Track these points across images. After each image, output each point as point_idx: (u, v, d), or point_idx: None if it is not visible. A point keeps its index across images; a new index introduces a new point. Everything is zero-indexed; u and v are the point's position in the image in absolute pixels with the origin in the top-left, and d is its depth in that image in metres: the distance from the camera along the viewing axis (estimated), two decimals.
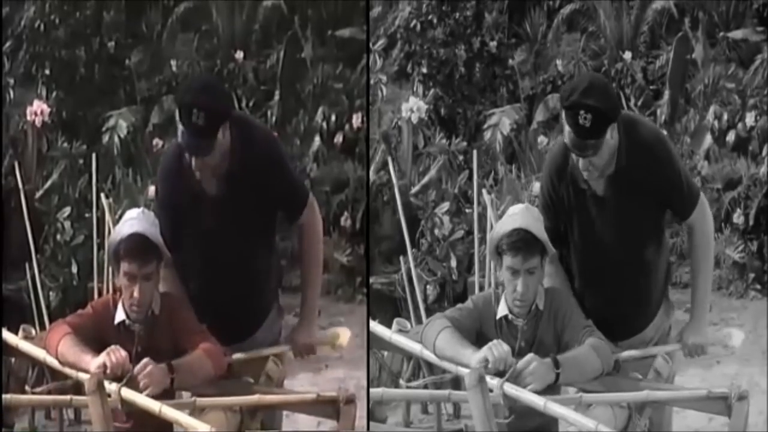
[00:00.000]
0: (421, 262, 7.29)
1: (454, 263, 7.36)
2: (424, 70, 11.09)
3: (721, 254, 8.94)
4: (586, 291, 4.26)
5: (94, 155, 6.67)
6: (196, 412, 3.85)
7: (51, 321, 5.18)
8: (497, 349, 3.80)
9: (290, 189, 4.36)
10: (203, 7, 11.75)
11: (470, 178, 7.58)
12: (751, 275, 8.99)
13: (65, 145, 8.90)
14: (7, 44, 10.48)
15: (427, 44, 11.12)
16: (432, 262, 7.38)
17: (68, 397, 3.97)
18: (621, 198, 4.08)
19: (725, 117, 10.16)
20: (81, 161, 8.69)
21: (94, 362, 3.86)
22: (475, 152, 6.50)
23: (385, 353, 6.35)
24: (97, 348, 3.93)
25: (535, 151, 10.26)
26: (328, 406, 3.93)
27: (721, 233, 9.04)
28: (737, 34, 11.61)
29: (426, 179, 8.00)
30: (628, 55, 11.69)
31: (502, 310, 4.07)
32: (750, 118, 9.96)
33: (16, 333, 4.31)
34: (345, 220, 9.49)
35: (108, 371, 3.80)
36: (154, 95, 10.98)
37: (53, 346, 4.01)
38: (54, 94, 10.34)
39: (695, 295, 4.28)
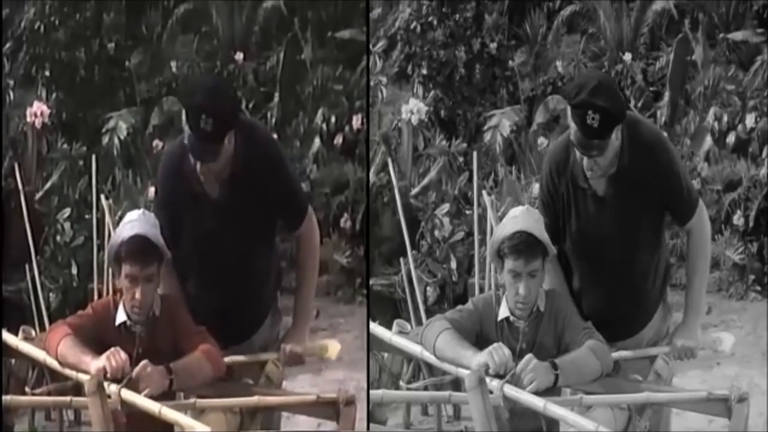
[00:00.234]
0: (421, 263, 7.29)
1: (454, 265, 7.37)
2: (424, 72, 11.09)
3: (721, 256, 8.95)
4: (583, 290, 4.26)
5: (94, 156, 6.68)
6: (196, 413, 3.85)
7: (51, 322, 5.19)
8: (498, 353, 3.79)
9: (291, 198, 4.36)
10: (203, 8, 11.76)
11: (470, 179, 7.59)
12: (751, 277, 8.99)
13: (65, 146, 8.91)
14: (7, 45, 10.48)
15: (427, 46, 11.12)
16: (432, 263, 7.39)
17: (68, 398, 3.96)
18: (621, 198, 4.08)
19: (725, 118, 10.16)
20: (81, 162, 8.70)
21: (94, 364, 3.85)
22: (475, 154, 6.51)
23: (385, 355, 6.35)
24: (98, 349, 3.93)
25: (535, 153, 10.25)
26: (328, 408, 3.92)
27: (721, 235, 9.05)
28: (737, 35, 11.61)
29: (426, 181, 8.01)
30: (628, 57, 11.69)
31: (503, 312, 4.06)
32: (750, 120, 9.96)
33: (16, 334, 4.31)
34: (345, 222, 9.49)
35: (108, 375, 3.80)
36: (154, 97, 10.98)
37: (53, 347, 4.01)
38: (54, 95, 10.35)
39: (689, 298, 4.28)
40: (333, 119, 10.33)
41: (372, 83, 8.83)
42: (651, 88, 11.57)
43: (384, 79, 9.06)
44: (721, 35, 11.69)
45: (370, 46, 9.78)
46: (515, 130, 10.62)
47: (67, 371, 4.00)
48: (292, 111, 10.81)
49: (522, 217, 4.02)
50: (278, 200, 4.25)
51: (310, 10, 11.62)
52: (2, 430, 4.20)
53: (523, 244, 3.93)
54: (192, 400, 3.89)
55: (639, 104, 11.23)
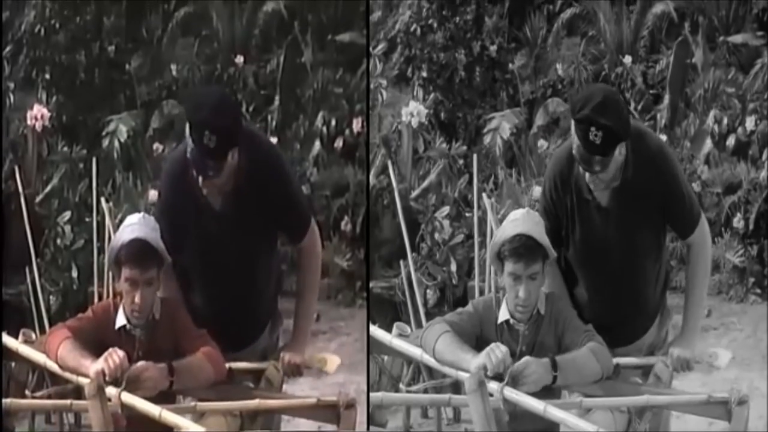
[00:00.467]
0: (421, 266, 7.29)
1: (454, 267, 7.36)
2: (425, 75, 11.10)
3: (721, 258, 8.96)
4: (587, 297, 4.27)
5: (94, 159, 6.67)
6: (197, 416, 3.85)
7: (51, 325, 5.19)
8: (495, 353, 3.79)
9: (294, 211, 4.36)
10: (203, 11, 11.77)
11: (470, 182, 7.59)
12: (751, 279, 9.00)
13: (65, 149, 8.92)
14: (8, 48, 10.49)
15: (427, 48, 11.13)
16: (432, 266, 7.38)
17: (68, 401, 3.96)
18: (624, 210, 4.08)
19: (725, 121, 10.17)
20: (81, 165, 8.71)
21: (93, 367, 3.85)
22: (475, 156, 6.52)
23: (385, 357, 6.36)
24: (97, 352, 3.93)
25: (535, 156, 10.26)
26: (328, 411, 3.92)
27: (721, 237, 9.06)
28: (737, 38, 11.62)
29: (426, 183, 8.00)
30: (628, 60, 11.70)
31: (503, 315, 4.06)
32: (750, 123, 9.96)
33: (17, 337, 4.30)
34: (345, 225, 9.50)
35: (107, 376, 3.80)
36: (155, 100, 10.99)
37: (53, 350, 4.01)
38: (54, 98, 10.35)
39: (687, 311, 4.27)
40: (333, 122, 10.34)
41: (372, 86, 8.83)
42: (651, 91, 11.58)
43: (384, 82, 9.06)
44: (721, 38, 11.69)
45: (370, 49, 9.79)
46: (515, 132, 10.62)
47: (67, 374, 4.00)
48: (293, 114, 10.82)
49: (522, 220, 4.01)
50: (281, 213, 4.25)
51: (310, 13, 11.63)
52: None
53: (524, 247, 3.93)
54: (192, 403, 3.90)
55: (639, 107, 11.24)
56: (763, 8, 11.75)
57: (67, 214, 7.84)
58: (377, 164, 8.35)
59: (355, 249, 9.31)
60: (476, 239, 6.19)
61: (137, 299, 4.01)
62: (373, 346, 4.54)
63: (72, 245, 7.62)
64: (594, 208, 4.12)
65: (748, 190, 9.32)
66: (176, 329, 4.11)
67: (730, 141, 10.04)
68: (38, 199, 8.13)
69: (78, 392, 3.96)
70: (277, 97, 10.91)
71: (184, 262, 4.29)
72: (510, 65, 11.74)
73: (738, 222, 9.16)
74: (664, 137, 9.76)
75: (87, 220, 7.23)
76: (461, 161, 8.55)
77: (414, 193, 7.88)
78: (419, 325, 5.83)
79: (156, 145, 9.99)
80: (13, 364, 4.50)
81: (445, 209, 7.60)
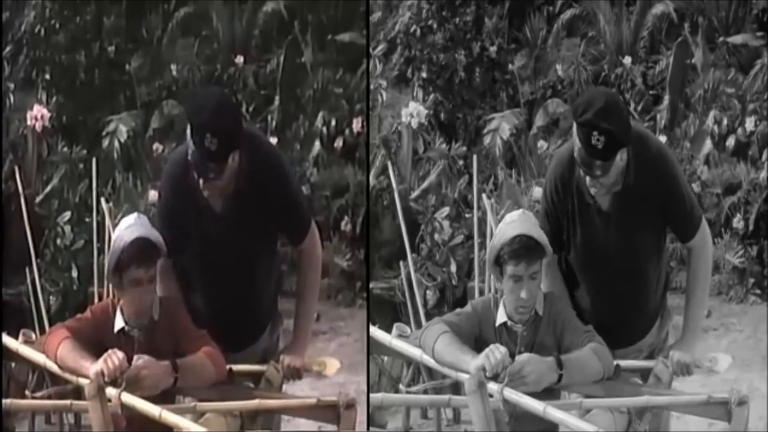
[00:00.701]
0: (421, 267, 7.29)
1: (453, 268, 7.37)
2: (424, 75, 11.10)
3: (720, 259, 8.96)
4: (588, 300, 4.27)
5: (94, 160, 6.67)
6: (197, 416, 3.85)
7: (51, 325, 5.18)
8: (494, 355, 3.78)
9: (294, 213, 4.34)
10: (203, 11, 11.77)
11: (470, 182, 7.59)
12: (751, 280, 9.00)
13: (65, 149, 8.92)
14: (8, 49, 10.49)
15: (427, 49, 11.13)
16: (432, 266, 7.38)
17: (68, 401, 3.96)
18: (625, 214, 4.09)
19: (725, 122, 10.18)
20: (81, 166, 8.71)
21: (92, 368, 3.85)
22: (474, 157, 6.52)
23: (385, 358, 6.36)
24: (97, 352, 3.93)
25: (535, 156, 10.27)
26: (328, 411, 3.92)
27: (720, 238, 9.06)
28: (737, 39, 11.62)
29: (426, 184, 8.01)
30: (627, 60, 11.71)
31: (501, 317, 4.07)
32: (750, 123, 9.97)
33: (17, 337, 4.30)
34: (345, 225, 9.50)
35: (106, 377, 3.80)
36: (155, 100, 10.99)
37: (52, 351, 4.01)
38: (54, 98, 10.36)
39: (687, 315, 4.28)
40: (333, 122, 10.34)
41: (372, 86, 8.83)
42: (651, 92, 11.59)
43: (384, 83, 9.06)
44: (721, 39, 11.70)
45: (370, 50, 9.79)
46: (515, 133, 10.63)
47: (67, 375, 4.00)
48: (293, 114, 10.83)
49: (519, 221, 4.01)
50: (281, 215, 4.25)
51: (310, 14, 11.63)
52: None
53: (524, 248, 3.93)
54: (192, 404, 3.90)
55: (639, 108, 11.25)
56: (762, 9, 11.76)
57: (67, 215, 7.84)
58: (377, 165, 8.35)
59: (355, 249, 9.31)
60: (476, 240, 6.19)
61: (142, 296, 4.02)
62: (373, 347, 4.54)
63: (72, 245, 7.62)
64: (595, 212, 4.13)
65: (747, 191, 9.32)
66: (176, 330, 4.10)
67: (730, 141, 10.04)
68: (38, 199, 8.13)
69: (78, 393, 3.96)
70: (277, 98, 10.91)
71: (185, 263, 4.29)
72: (510, 66, 11.75)
73: (738, 222, 9.16)
74: (664, 138, 9.77)
75: (87, 220, 7.23)
76: (461, 162, 8.55)
77: (414, 194, 7.88)
78: (419, 325, 5.82)
79: (156, 146, 10.00)
80: (13, 364, 4.50)
81: (445, 210, 7.60)
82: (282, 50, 11.29)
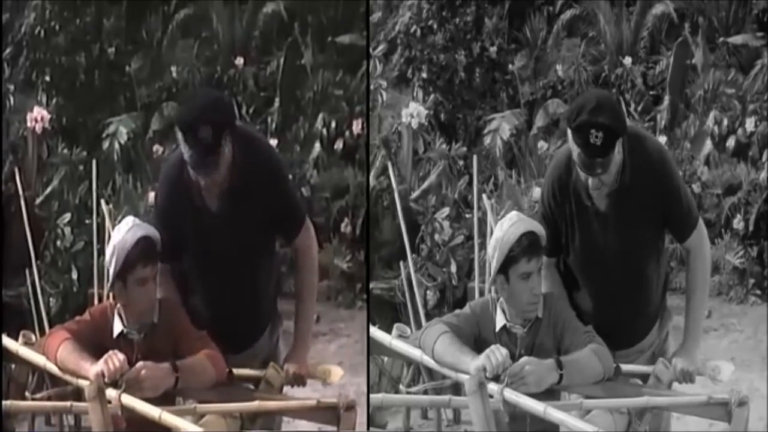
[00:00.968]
0: (421, 267, 7.29)
1: (454, 268, 7.36)
2: (425, 76, 11.10)
3: (721, 259, 8.96)
4: (588, 301, 4.27)
5: (94, 161, 6.65)
6: (196, 418, 3.85)
7: (51, 327, 5.18)
8: (495, 356, 3.79)
9: (287, 208, 4.34)
10: (203, 13, 11.77)
11: (470, 183, 7.60)
12: (751, 281, 9.00)
13: (65, 151, 8.91)
14: (8, 50, 10.49)
15: (427, 49, 11.13)
16: (432, 267, 7.38)
17: (68, 403, 3.97)
18: (623, 214, 4.09)
19: (725, 122, 10.18)
20: (81, 167, 8.70)
21: (92, 369, 3.85)
22: (475, 157, 6.49)
23: (385, 359, 6.35)
24: (96, 354, 3.93)
25: (535, 157, 10.27)
26: (328, 413, 3.93)
27: (721, 239, 9.06)
28: (737, 39, 11.62)
29: (426, 184, 8.00)
30: (628, 61, 11.70)
31: (500, 321, 4.07)
32: (750, 124, 9.97)
33: (17, 339, 4.30)
34: (345, 227, 9.50)
35: (106, 378, 3.80)
36: (155, 101, 11.00)
37: (52, 352, 4.01)
38: (54, 100, 10.36)
39: (688, 319, 4.26)
40: (333, 124, 10.34)
41: (372, 87, 8.83)
42: (651, 92, 11.58)
43: (384, 83, 9.06)
44: (721, 39, 11.70)
45: (370, 50, 9.79)
46: (515, 133, 10.63)
47: (67, 376, 4.00)
48: (293, 116, 10.82)
49: (520, 221, 4.02)
50: (275, 211, 4.25)
51: (310, 15, 11.63)
52: None
53: (533, 245, 3.97)
54: (192, 405, 3.90)
55: (639, 108, 11.24)
56: (762, 9, 11.75)
57: (67, 216, 7.83)
58: (377, 165, 8.35)
59: (355, 250, 9.31)
60: (476, 240, 6.18)
61: (147, 295, 4.03)
62: (373, 348, 4.54)
63: (72, 247, 7.61)
64: (593, 213, 4.12)
65: (748, 191, 9.32)
66: (175, 332, 4.10)
67: (730, 142, 10.04)
68: (38, 201, 8.12)
69: (78, 394, 3.96)
70: (277, 99, 10.91)
71: (183, 265, 4.30)
72: (510, 66, 11.75)
73: (738, 223, 9.16)
74: (664, 138, 9.77)
75: (87, 222, 7.22)
76: (461, 162, 8.55)
77: (414, 195, 7.88)
78: (419, 326, 5.80)
79: (156, 147, 9.99)
80: (13, 365, 4.51)
81: (445, 210, 7.60)
82: (282, 52, 11.29)
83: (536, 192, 7.75)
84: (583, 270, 4.25)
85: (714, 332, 8.16)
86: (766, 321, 8.23)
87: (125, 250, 4.02)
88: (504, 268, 4.00)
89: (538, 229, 4.02)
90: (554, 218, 4.21)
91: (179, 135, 4.00)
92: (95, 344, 4.01)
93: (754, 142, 9.90)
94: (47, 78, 10.57)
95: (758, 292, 8.97)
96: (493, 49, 11.46)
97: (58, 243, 7.68)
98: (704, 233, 4.25)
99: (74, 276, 7.46)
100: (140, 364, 3.87)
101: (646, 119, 11.00)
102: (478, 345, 3.98)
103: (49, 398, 4.26)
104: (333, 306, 9.04)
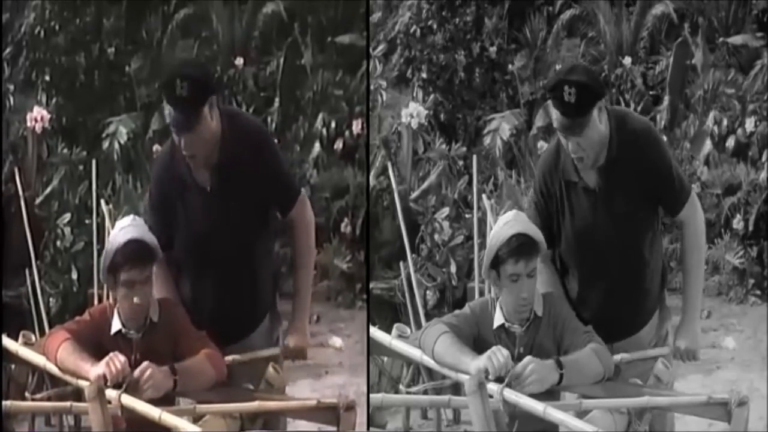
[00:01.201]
0: (421, 267, 7.29)
1: (453, 269, 7.36)
2: (424, 76, 11.10)
3: (720, 260, 8.95)
4: (579, 289, 4.27)
5: (94, 161, 6.65)
6: (196, 418, 3.86)
7: (51, 327, 5.18)
8: (497, 357, 3.79)
9: (281, 181, 4.38)
10: (203, 13, 11.76)
11: (470, 183, 7.60)
12: (751, 281, 8.99)
13: (65, 151, 8.91)
14: (7, 50, 10.49)
15: (427, 50, 11.13)
16: (432, 267, 7.38)
17: (68, 403, 3.97)
18: (612, 190, 4.12)
19: (725, 122, 10.17)
20: (81, 167, 8.70)
21: (93, 371, 3.85)
22: (474, 157, 6.49)
23: (385, 359, 6.35)
24: (96, 354, 3.93)
25: (535, 157, 10.25)
26: (328, 413, 3.93)
27: (720, 239, 9.05)
28: (737, 39, 11.61)
29: (426, 184, 8.01)
30: (627, 61, 11.69)
31: (498, 320, 4.07)
32: (750, 124, 9.96)
33: (16, 339, 4.31)
34: (345, 227, 9.49)
35: (108, 381, 3.80)
36: (154, 101, 10.97)
37: (52, 353, 4.01)
38: (54, 100, 10.36)
39: (686, 295, 4.28)
40: (333, 124, 10.34)
41: (372, 87, 8.83)
42: (651, 92, 11.57)
43: (384, 83, 9.07)
44: (721, 39, 11.69)
45: (370, 50, 9.79)
46: (515, 133, 10.63)
47: (67, 377, 4.00)
48: (292, 116, 10.81)
49: (514, 221, 4.03)
50: (268, 184, 4.27)
51: (310, 15, 11.62)
52: None
53: (522, 246, 3.95)
54: (192, 406, 3.90)
55: (639, 108, 11.22)
56: (762, 9, 11.75)
57: (67, 216, 7.83)
58: (377, 166, 8.35)
59: (355, 251, 9.30)
60: (476, 240, 6.17)
61: (137, 300, 4.01)
62: (373, 348, 4.54)
63: (72, 247, 7.61)
64: (582, 190, 4.16)
65: (747, 192, 9.32)
66: (175, 331, 4.11)
67: (730, 142, 10.03)
68: (38, 201, 8.12)
69: (78, 394, 3.97)
70: (276, 99, 10.90)
71: (178, 250, 4.31)
72: (510, 66, 11.74)
73: (738, 223, 9.15)
74: (663, 138, 9.76)
75: (87, 222, 7.22)
76: (461, 162, 8.55)
77: (414, 195, 7.88)
78: (419, 326, 5.80)
79: (156, 147, 9.94)
80: (13, 366, 4.52)
81: (445, 210, 7.60)
82: (282, 52, 11.28)
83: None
84: (575, 253, 4.25)
85: (714, 332, 8.15)
86: (766, 321, 8.23)
87: (113, 250, 4.03)
88: (494, 266, 4.01)
89: (533, 231, 4.00)
90: (545, 205, 4.25)
91: (163, 96, 4.09)
92: (95, 344, 4.02)
93: (753, 142, 9.89)
94: (47, 78, 10.57)
95: (758, 292, 8.96)
96: (492, 49, 11.46)
97: (58, 243, 7.68)
98: (697, 205, 4.26)
99: (74, 276, 7.47)
100: (142, 367, 3.87)
101: None
102: (477, 345, 3.98)
103: (48, 398, 4.26)
104: (333, 306, 9.03)
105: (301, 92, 11.01)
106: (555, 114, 4.01)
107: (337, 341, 4.45)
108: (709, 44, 11.61)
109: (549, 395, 3.81)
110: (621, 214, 4.13)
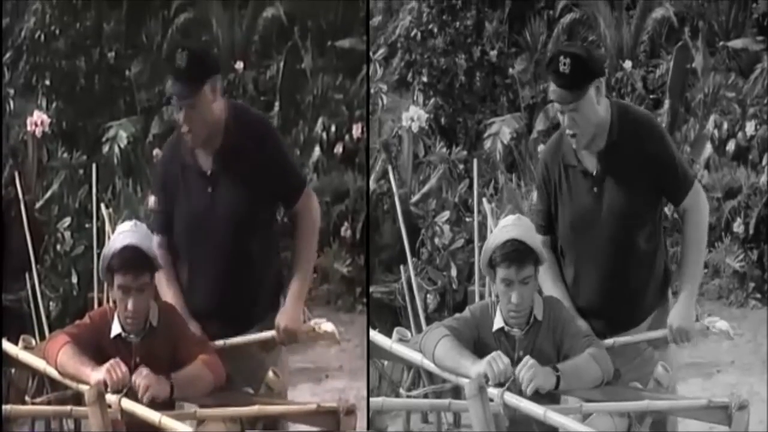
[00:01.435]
0: (421, 271, 7.29)
1: (454, 272, 7.36)
2: (425, 79, 11.11)
3: (721, 263, 8.95)
4: (578, 280, 4.27)
5: (94, 165, 6.65)
6: (197, 422, 3.85)
7: (51, 331, 5.18)
8: (497, 364, 3.79)
9: (286, 174, 4.38)
10: (203, 17, 11.76)
11: (470, 187, 7.60)
12: (752, 284, 8.99)
13: (65, 155, 8.91)
14: (8, 55, 10.49)
15: (427, 53, 11.14)
16: (432, 271, 7.38)
17: (68, 407, 3.97)
18: (612, 175, 4.14)
19: (725, 126, 10.17)
20: (81, 171, 8.70)
21: (94, 376, 3.85)
22: (475, 161, 6.50)
23: (386, 362, 6.34)
24: (97, 358, 3.93)
25: (535, 160, 10.25)
26: (328, 417, 3.93)
27: (721, 242, 9.05)
28: (737, 43, 11.61)
29: (426, 188, 8.00)
30: (628, 64, 11.70)
31: (497, 323, 4.06)
32: (750, 127, 9.97)
33: (16, 343, 4.30)
34: (345, 231, 9.49)
35: (109, 388, 3.80)
36: (154, 106, 10.99)
37: (52, 357, 4.01)
38: (54, 104, 10.36)
39: (683, 278, 4.27)
40: (333, 128, 10.34)
41: (372, 91, 8.83)
42: (651, 96, 11.58)
43: (384, 87, 9.06)
44: (721, 43, 11.69)
45: (371, 54, 9.79)
46: (515, 137, 10.63)
47: (67, 381, 4.00)
48: (292, 120, 10.81)
49: (513, 226, 4.02)
50: (271, 176, 4.27)
51: (310, 19, 11.62)
52: None
53: (515, 252, 3.93)
54: (192, 410, 3.90)
55: None
56: (762, 13, 11.75)
57: (67, 220, 7.83)
58: (377, 169, 8.35)
59: (355, 255, 9.30)
60: (476, 244, 6.18)
61: (129, 306, 4.01)
62: (373, 351, 4.53)
63: (72, 251, 7.61)
64: (580, 173, 4.19)
65: (748, 195, 9.32)
66: (175, 336, 4.11)
67: (730, 146, 10.04)
68: (38, 205, 8.12)
69: (78, 398, 3.96)
70: (276, 103, 10.91)
71: (180, 238, 4.35)
72: (510, 70, 11.74)
73: (738, 227, 9.16)
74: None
75: (87, 226, 7.22)
76: (461, 166, 8.55)
77: (414, 198, 7.88)
78: (419, 329, 5.81)
79: (156, 151, 9.96)
80: (13, 370, 4.51)
81: (446, 214, 7.60)
82: (282, 56, 11.28)
83: (536, 195, 7.75)
84: (575, 240, 4.25)
85: (714, 336, 8.14)
86: (766, 325, 8.22)
87: (110, 254, 4.04)
88: (491, 268, 4.00)
89: (528, 237, 3.98)
90: (546, 189, 4.29)
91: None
92: (95, 348, 4.02)
93: (754, 146, 9.90)
94: (47, 82, 10.58)
95: (758, 295, 8.96)
96: (493, 53, 11.46)
97: (58, 247, 7.68)
98: (701, 194, 4.27)
99: (74, 280, 7.46)
100: (136, 374, 3.87)
101: None
102: (477, 348, 3.98)
103: (49, 402, 4.26)
104: (333, 310, 9.03)
105: (301, 96, 11.02)
106: (552, 88, 4.08)
107: (329, 326, 4.42)
108: (709, 48, 11.61)
109: (549, 399, 3.81)
110: (618, 199, 4.14)
